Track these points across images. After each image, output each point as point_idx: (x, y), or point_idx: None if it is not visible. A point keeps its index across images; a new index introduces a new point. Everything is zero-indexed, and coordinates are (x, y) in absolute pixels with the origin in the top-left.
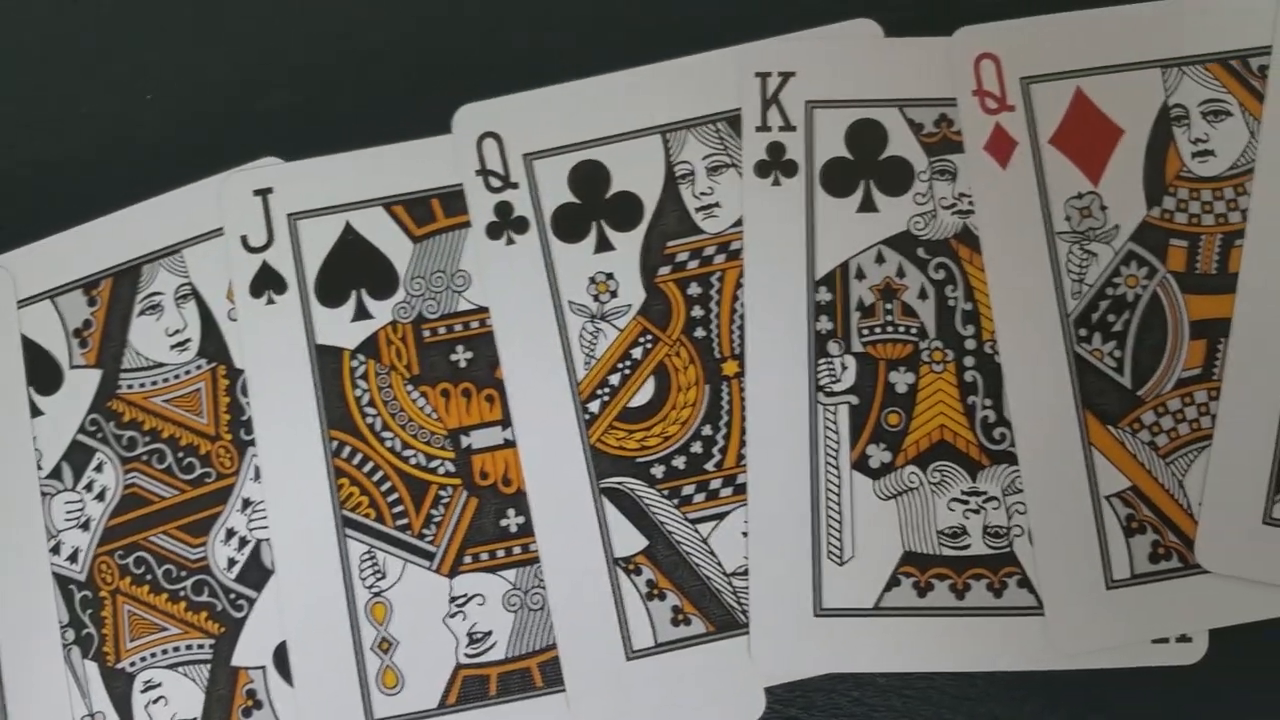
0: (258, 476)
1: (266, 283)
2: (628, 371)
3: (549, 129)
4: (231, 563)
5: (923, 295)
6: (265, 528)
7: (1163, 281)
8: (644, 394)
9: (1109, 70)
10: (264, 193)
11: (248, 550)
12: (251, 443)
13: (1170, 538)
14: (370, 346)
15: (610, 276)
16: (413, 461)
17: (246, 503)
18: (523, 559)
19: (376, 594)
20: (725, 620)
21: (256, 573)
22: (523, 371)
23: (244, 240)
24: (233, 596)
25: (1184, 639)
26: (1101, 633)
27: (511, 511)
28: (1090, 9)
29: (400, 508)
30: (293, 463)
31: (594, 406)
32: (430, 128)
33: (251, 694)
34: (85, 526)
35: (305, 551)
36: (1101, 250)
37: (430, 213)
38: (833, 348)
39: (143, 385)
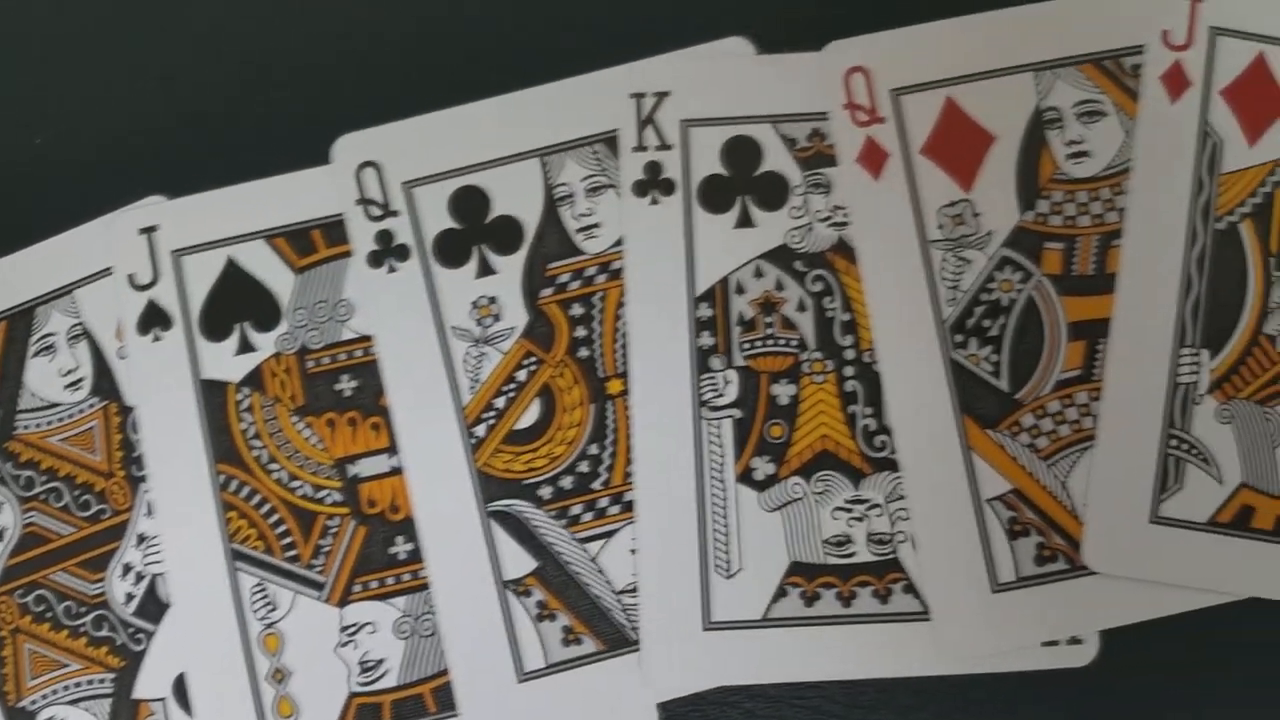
0: (150, 512)
1: (153, 320)
2: (513, 394)
3: (428, 156)
4: (129, 597)
5: (801, 307)
6: (160, 562)
7: (1038, 285)
8: (530, 416)
9: (980, 77)
10: (149, 231)
11: (144, 585)
12: (144, 478)
13: (1055, 539)
14: (255, 379)
15: (493, 300)
16: (300, 492)
17: (141, 538)
18: (412, 586)
19: (269, 625)
20: (616, 638)
21: (154, 606)
22: (408, 398)
23: (131, 279)
24: (131, 631)
25: (1075, 641)
26: (988, 637)
27: (400, 539)
28: (960, 16)
29: (289, 539)
30: (182, 497)
31: (480, 430)
32: (311, 159)
33: None
34: None
35: (198, 585)
36: (975, 256)
37: (311, 244)
38: (715, 363)
39: (39, 425)
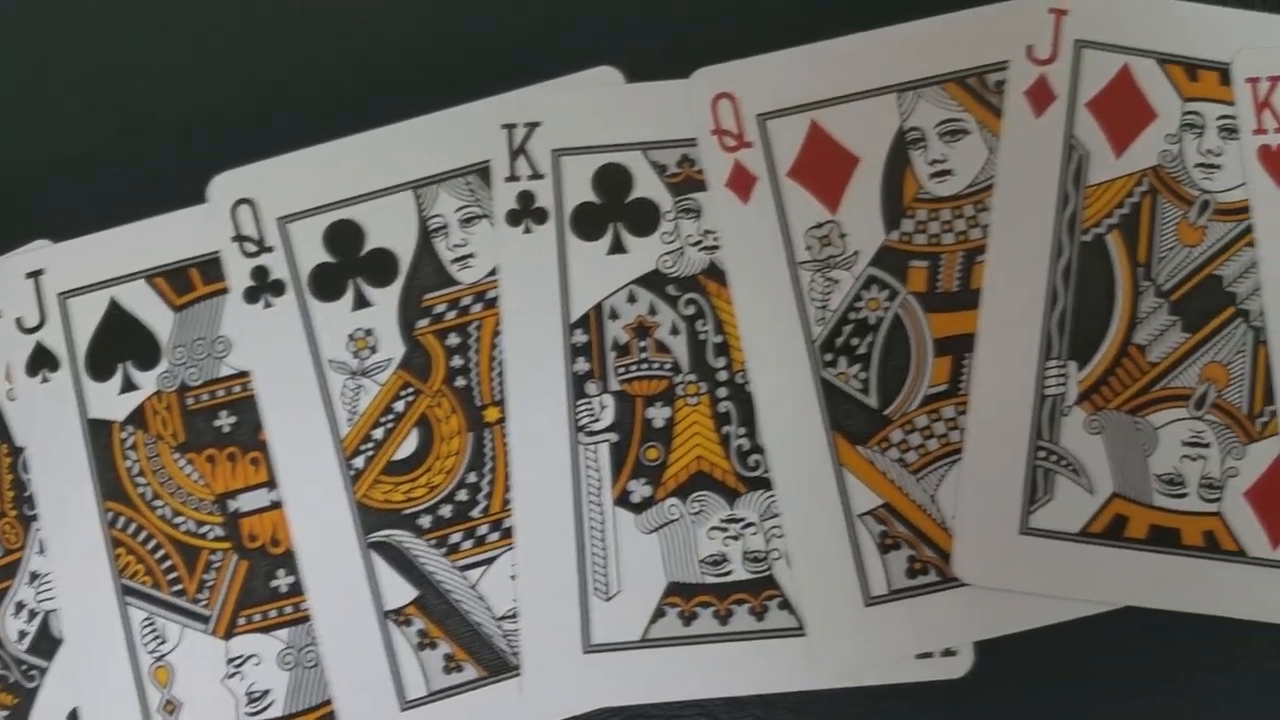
0: (42, 550)
1: (41, 362)
2: (391, 425)
3: (302, 191)
4: (22, 635)
5: (675, 331)
6: (52, 599)
7: (904, 302)
8: (408, 446)
9: (843, 100)
10: (35, 275)
11: (37, 622)
12: (35, 517)
13: (926, 552)
14: (138, 417)
15: (369, 333)
16: (184, 528)
17: (34, 575)
18: (295, 618)
19: (159, 658)
20: (497, 664)
21: (46, 643)
22: (286, 432)
23: (19, 322)
24: (25, 668)
25: (949, 653)
26: (863, 650)
27: (281, 572)
28: (823, 41)
29: (175, 574)
30: (72, 535)
31: (359, 462)
32: (190, 198)
33: None
34: None
35: (89, 620)
36: (843, 276)
37: (189, 282)
38: (591, 388)
39: None
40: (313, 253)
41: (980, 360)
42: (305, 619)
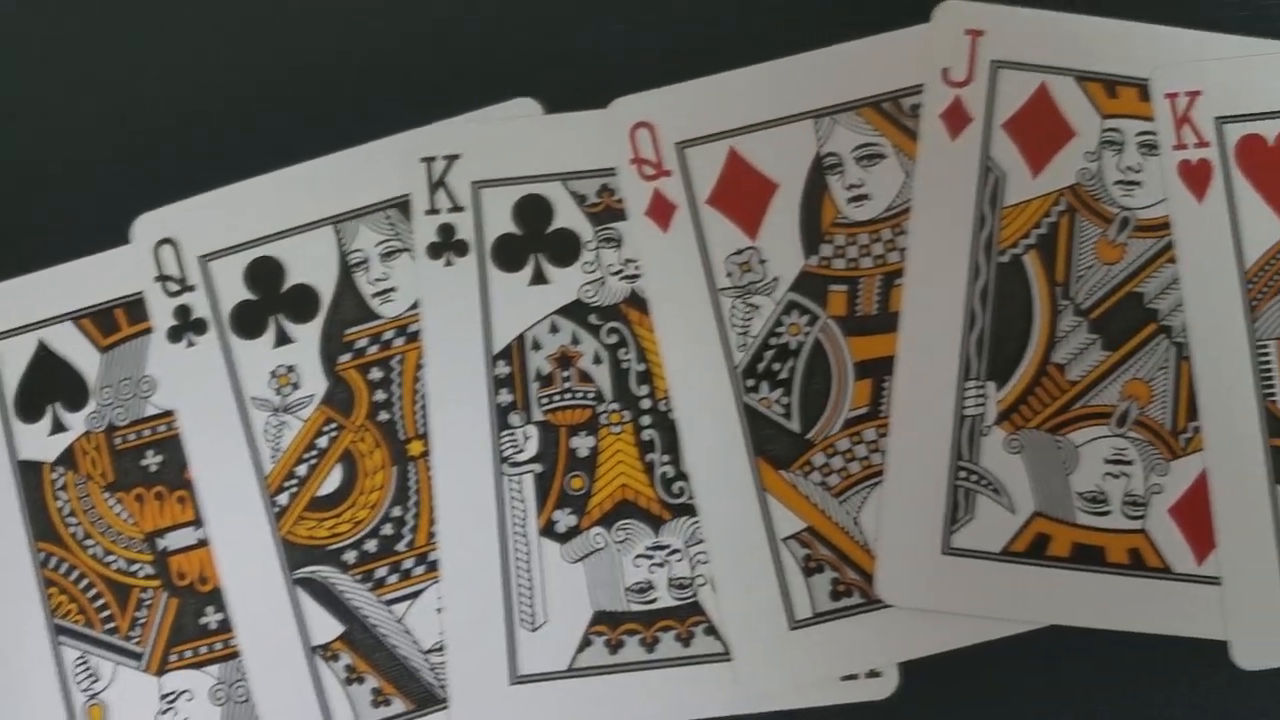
0: None
1: None
2: (314, 461)
3: (223, 230)
4: None
5: (598, 360)
6: None
7: (824, 327)
8: (332, 482)
9: (761, 127)
10: None
11: None
12: None
13: (850, 574)
14: (68, 458)
15: (291, 369)
16: (115, 567)
17: None
18: (225, 654)
19: (92, 696)
20: (425, 697)
21: None
22: (211, 470)
23: None
24: None
25: (874, 674)
26: (788, 673)
27: (210, 609)
28: (740, 68)
29: (107, 612)
30: (5, 576)
31: (283, 499)
32: (116, 239)
33: None
34: None
35: (22, 660)
36: (763, 302)
37: (115, 323)
38: (514, 419)
39: None
40: (234, 290)
41: (900, 382)
42: (235, 655)
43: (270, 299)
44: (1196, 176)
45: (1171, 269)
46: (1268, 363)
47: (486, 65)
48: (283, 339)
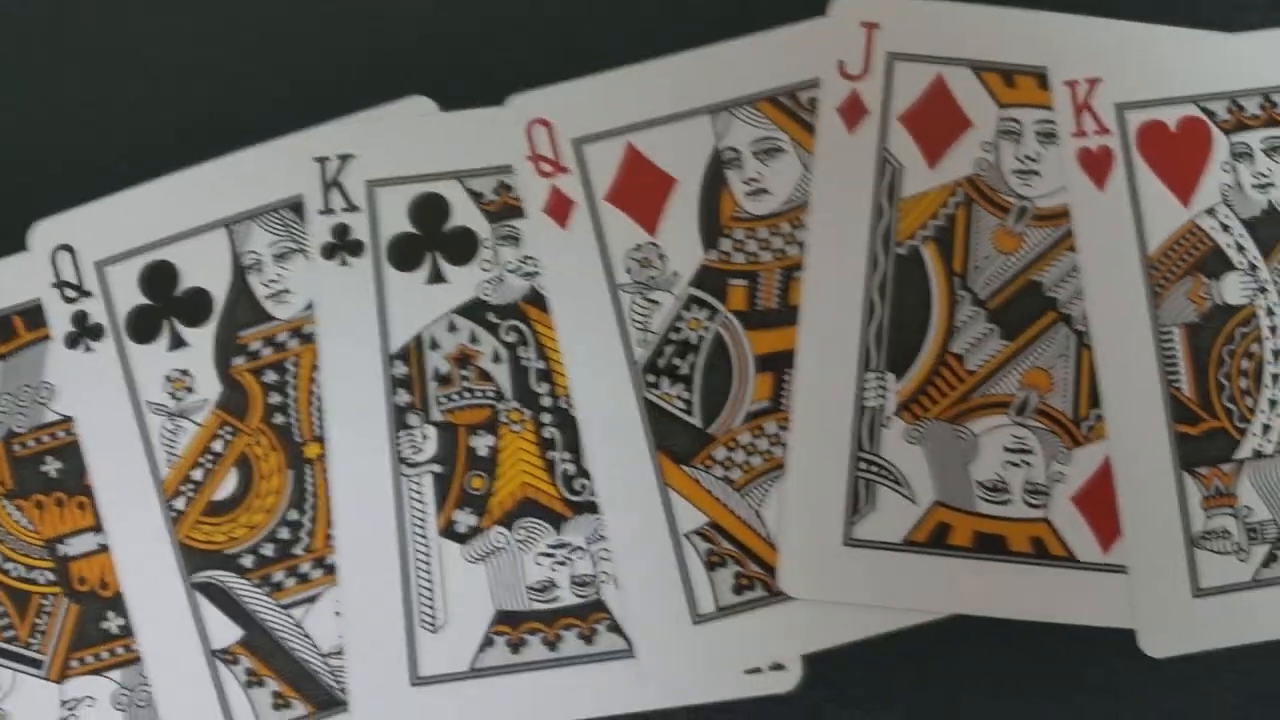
0: None
1: None
2: (210, 465)
3: (118, 235)
4: None
5: (497, 359)
6: None
7: (725, 321)
8: (228, 486)
9: (658, 123)
10: None
11: None
12: None
13: (752, 568)
14: None
15: (186, 373)
16: (14, 574)
17: None
18: (126, 659)
19: None
20: (325, 700)
21: None
22: (109, 476)
23: None
24: None
25: (778, 667)
26: (692, 668)
27: (112, 614)
28: (638, 64)
29: (6, 619)
30: None
31: (179, 504)
32: (14, 246)
33: None
34: None
35: None
36: (663, 298)
37: (13, 330)
38: (412, 419)
39: None
40: (129, 295)
41: (800, 375)
42: (137, 660)
43: (165, 303)
44: (1097, 164)
45: (1071, 257)
46: (1171, 349)
47: (381, 63)
48: (177, 343)
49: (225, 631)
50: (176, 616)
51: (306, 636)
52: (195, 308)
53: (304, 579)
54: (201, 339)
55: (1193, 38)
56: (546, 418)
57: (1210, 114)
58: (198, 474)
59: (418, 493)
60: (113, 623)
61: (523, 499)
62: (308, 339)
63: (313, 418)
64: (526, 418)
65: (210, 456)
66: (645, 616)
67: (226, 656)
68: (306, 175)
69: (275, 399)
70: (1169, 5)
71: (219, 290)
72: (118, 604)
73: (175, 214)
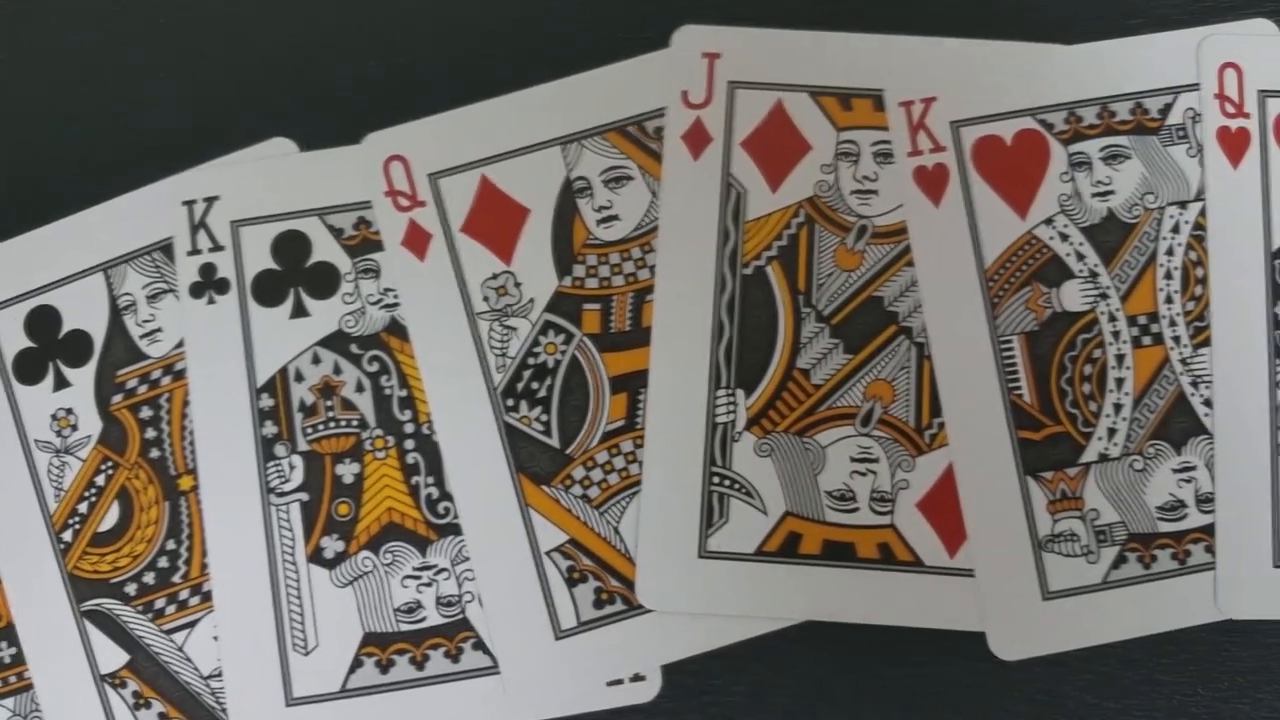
0: None
1: None
2: (94, 499)
3: (3, 282)
4: None
5: (360, 388)
6: None
7: (580, 345)
8: (110, 518)
9: (511, 155)
10: None
11: None
12: None
13: (612, 582)
14: None
15: (70, 411)
16: None
17: None
18: (19, 687)
19: None
20: None
21: None
22: (1, 510)
23: None
24: None
25: (638, 678)
26: (555, 682)
27: (3, 644)
28: (489, 100)
29: None
30: None
31: (67, 536)
32: None
33: None
34: None
35: None
36: (520, 324)
37: None
38: (279, 450)
39: None
40: (14, 339)
41: (653, 394)
42: (29, 687)
43: (47, 346)
44: (933, 181)
45: (910, 272)
46: (1011, 357)
47: (243, 107)
48: (61, 383)
49: (112, 657)
50: (66, 644)
51: (188, 660)
52: (76, 349)
53: (183, 605)
54: (83, 379)
55: (1029, 51)
56: (409, 444)
57: (1048, 125)
58: (83, 507)
59: (286, 521)
60: (4, 652)
61: (388, 523)
62: (179, 375)
63: (185, 451)
64: (390, 445)
65: (94, 490)
66: (509, 633)
67: (114, 681)
68: (175, 218)
69: (151, 434)
70: (1007, 21)
71: (97, 331)
72: (9, 633)
73: (54, 260)
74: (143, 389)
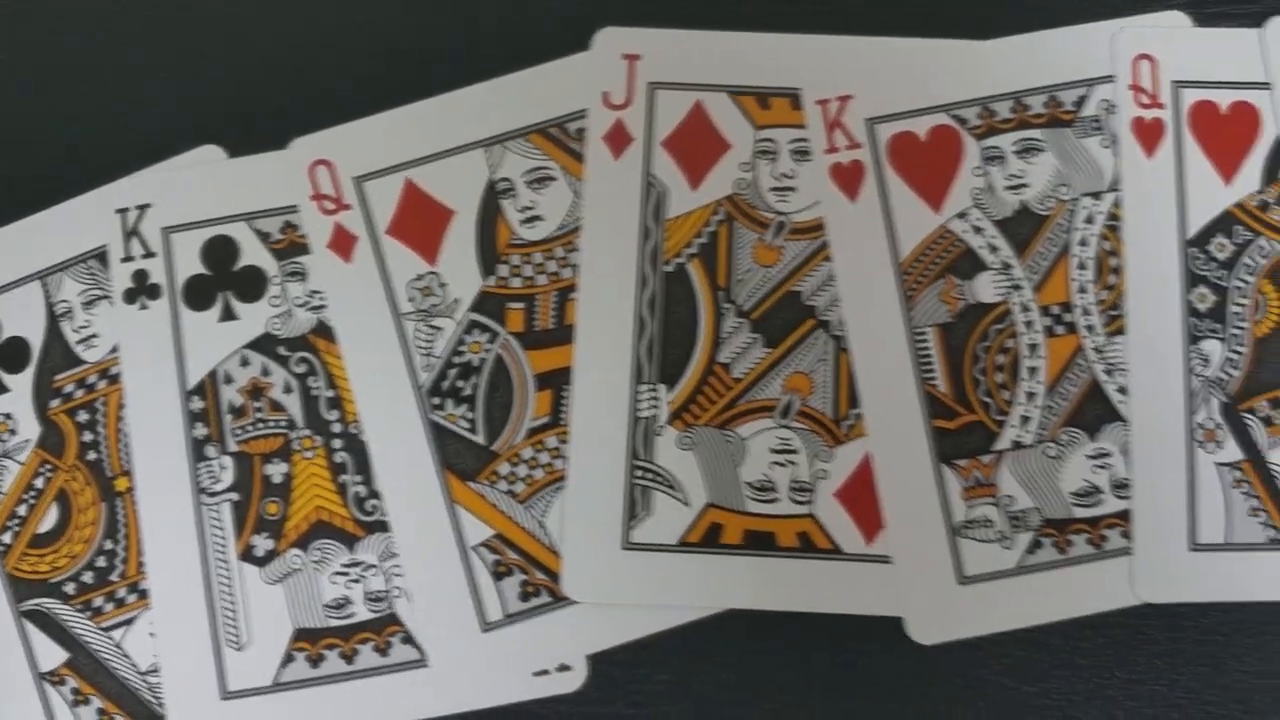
0: None
1: None
2: (33, 501)
3: None
4: None
5: (288, 389)
6: None
7: (504, 343)
8: (49, 520)
9: (435, 158)
10: None
11: None
12: None
13: (537, 575)
14: None
15: (9, 416)
16: None
17: None
18: None
19: None
20: (146, 715)
21: None
22: None
23: None
24: None
25: (564, 668)
26: (482, 673)
27: None
28: (413, 103)
29: None
30: None
31: (7, 538)
32: None
33: None
34: None
35: None
36: (445, 324)
37: None
38: (210, 451)
39: None
40: None
41: (577, 391)
42: None
43: None
44: (849, 177)
45: (828, 267)
46: (926, 349)
47: (173, 117)
48: (0, 389)
49: (51, 655)
50: (5, 643)
51: (126, 656)
52: (15, 355)
53: (121, 603)
54: (21, 384)
55: (943, 48)
56: (337, 443)
57: (962, 121)
58: (22, 509)
59: (218, 520)
60: None
61: (316, 521)
62: (115, 379)
63: (121, 453)
64: (318, 444)
65: (33, 493)
66: (436, 627)
67: (53, 678)
68: (109, 226)
69: (88, 437)
70: (924, 18)
71: (35, 338)
72: None
73: None
74: (79, 393)
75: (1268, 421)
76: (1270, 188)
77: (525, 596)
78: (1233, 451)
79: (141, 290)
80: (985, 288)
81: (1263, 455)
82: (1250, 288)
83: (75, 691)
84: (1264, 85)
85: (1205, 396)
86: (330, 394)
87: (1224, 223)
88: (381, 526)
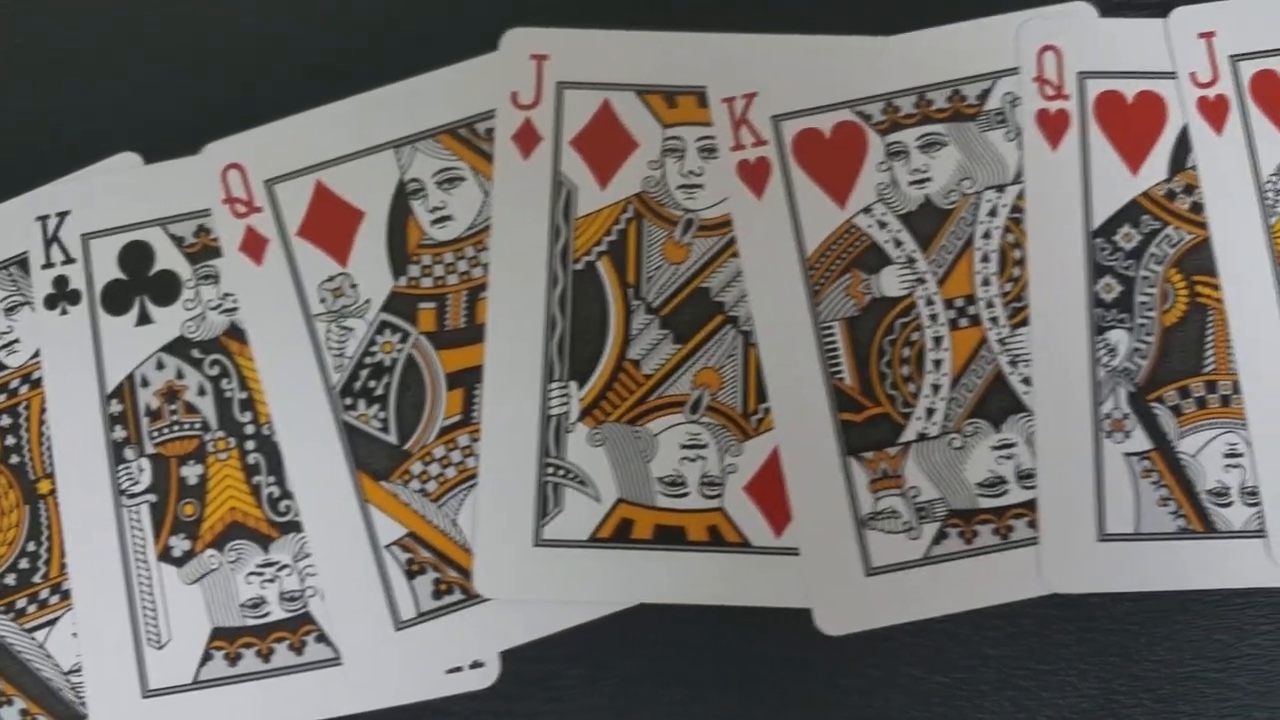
0: None
1: None
2: None
3: None
4: None
5: (202, 392)
6: None
7: (416, 343)
8: None
9: (345, 160)
10: None
11: None
12: None
13: (450, 573)
14: None
15: None
16: None
17: None
18: None
19: None
20: (69, 714)
21: None
22: None
23: None
24: None
25: (477, 665)
26: (396, 671)
27: None
28: (322, 106)
29: None
30: None
31: None
32: None
33: None
34: None
35: None
36: (356, 324)
37: None
38: (129, 453)
39: None
40: None
41: (488, 389)
42: None
43: None
44: (755, 174)
45: (735, 263)
46: (832, 343)
47: (90, 122)
48: None
49: None
50: None
51: (49, 657)
52: None
53: (44, 604)
54: None
55: (847, 45)
56: (250, 445)
57: (865, 117)
58: None
59: (137, 521)
60: None
61: (231, 523)
62: (37, 384)
63: (43, 456)
64: (231, 446)
65: None
66: (350, 626)
67: None
68: (30, 233)
69: (10, 441)
70: (831, 15)
71: None
72: None
73: None
74: (2, 398)
75: (1176, 411)
76: (1177, 177)
77: (438, 594)
78: (1141, 441)
79: (62, 296)
80: (890, 282)
81: (1171, 444)
82: (1158, 277)
83: None
84: (1170, 75)
85: (1113, 386)
86: (243, 396)
87: (1131, 212)
88: (295, 527)
